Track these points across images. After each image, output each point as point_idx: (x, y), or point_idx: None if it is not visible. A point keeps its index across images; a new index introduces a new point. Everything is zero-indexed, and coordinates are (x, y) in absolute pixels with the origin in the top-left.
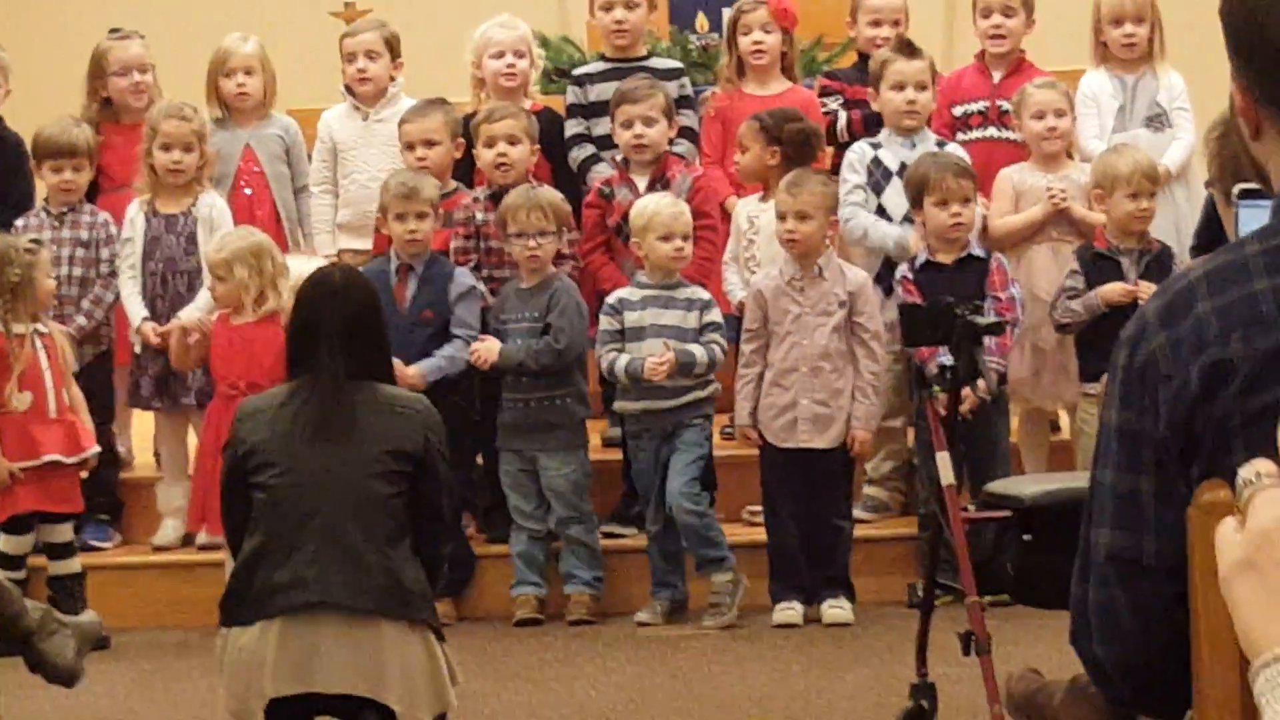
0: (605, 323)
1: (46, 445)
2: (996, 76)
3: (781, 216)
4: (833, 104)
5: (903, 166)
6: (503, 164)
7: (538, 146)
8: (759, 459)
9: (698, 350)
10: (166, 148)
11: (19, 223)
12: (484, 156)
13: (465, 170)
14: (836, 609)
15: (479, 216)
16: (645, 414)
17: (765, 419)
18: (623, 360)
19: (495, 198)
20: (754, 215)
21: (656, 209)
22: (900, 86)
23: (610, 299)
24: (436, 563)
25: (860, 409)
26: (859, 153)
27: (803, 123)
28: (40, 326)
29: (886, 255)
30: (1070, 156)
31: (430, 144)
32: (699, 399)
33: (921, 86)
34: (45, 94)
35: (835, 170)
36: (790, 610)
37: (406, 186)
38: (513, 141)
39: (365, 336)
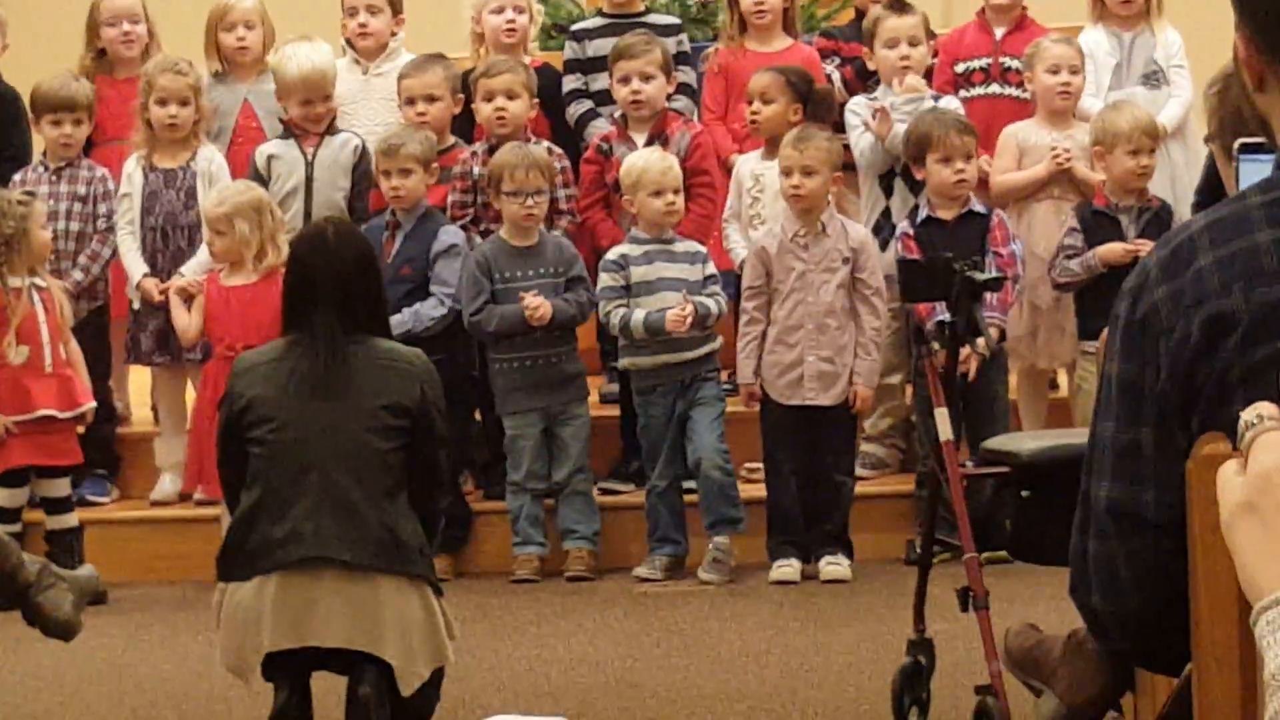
0: (608, 279)
1: (42, 400)
2: (999, 33)
3: (787, 171)
4: (830, 67)
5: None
6: (501, 118)
7: (537, 101)
8: (760, 416)
9: (710, 302)
10: (162, 102)
11: (16, 177)
12: (483, 111)
13: (465, 126)
14: (834, 565)
15: (476, 171)
16: (663, 368)
17: (769, 376)
18: (639, 315)
19: (493, 152)
20: (759, 173)
21: (646, 165)
22: (894, 43)
23: (611, 255)
24: (433, 518)
25: (863, 365)
26: (860, 105)
27: (825, 85)
28: (38, 280)
29: (885, 209)
30: (1076, 116)
31: (430, 99)
32: (711, 351)
33: (914, 42)
34: (44, 48)
35: (838, 129)
36: (788, 567)
37: (388, 143)
38: (511, 96)
39: (361, 291)
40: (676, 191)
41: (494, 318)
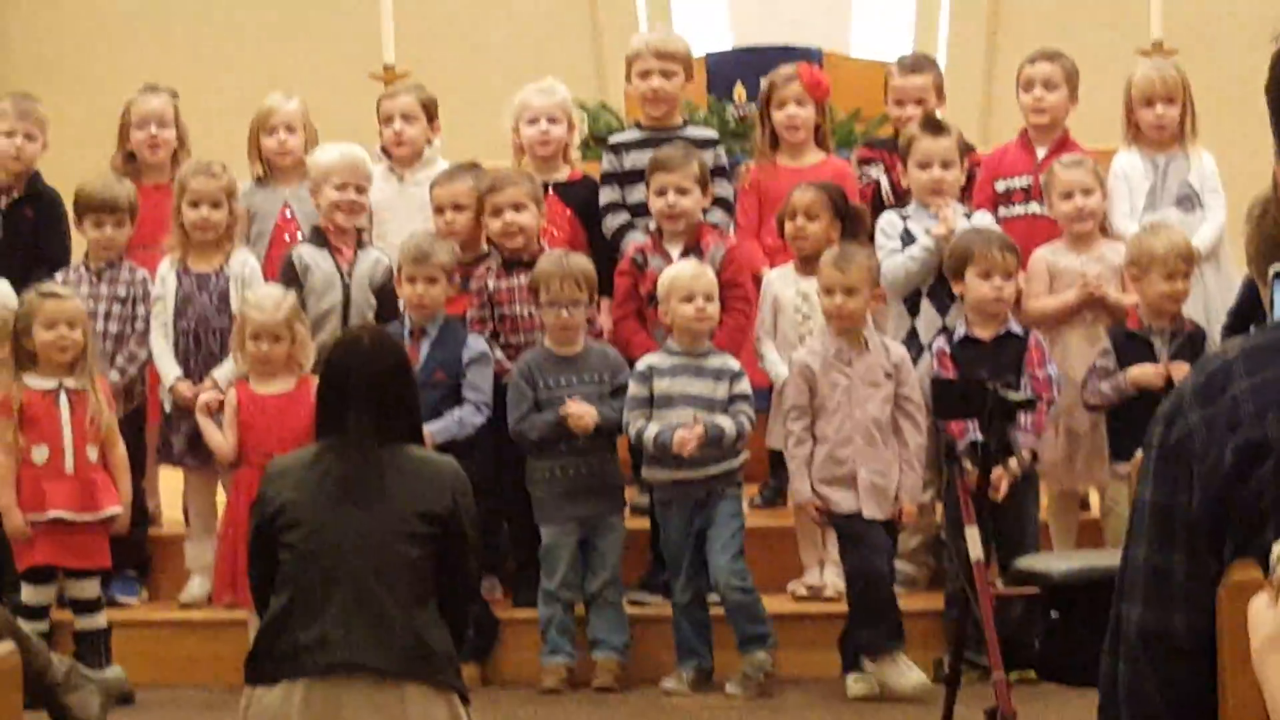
0: (634, 389)
1: (56, 501)
2: (1040, 153)
3: (829, 290)
4: (874, 172)
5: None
6: (511, 231)
7: (545, 210)
8: (837, 528)
9: (726, 422)
10: (195, 204)
11: (58, 277)
12: (491, 226)
13: None
14: (861, 683)
15: (491, 285)
16: (675, 484)
17: (825, 493)
18: (652, 430)
19: (507, 265)
20: (805, 291)
21: (677, 273)
22: (926, 165)
23: (640, 365)
24: (462, 625)
25: (908, 480)
26: (890, 222)
27: (857, 203)
28: (69, 382)
29: (911, 328)
30: (1104, 232)
31: (458, 208)
32: (729, 469)
33: (947, 164)
34: (84, 150)
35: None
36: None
37: (419, 250)
38: (518, 208)
39: (394, 398)
40: (709, 298)
41: (535, 426)
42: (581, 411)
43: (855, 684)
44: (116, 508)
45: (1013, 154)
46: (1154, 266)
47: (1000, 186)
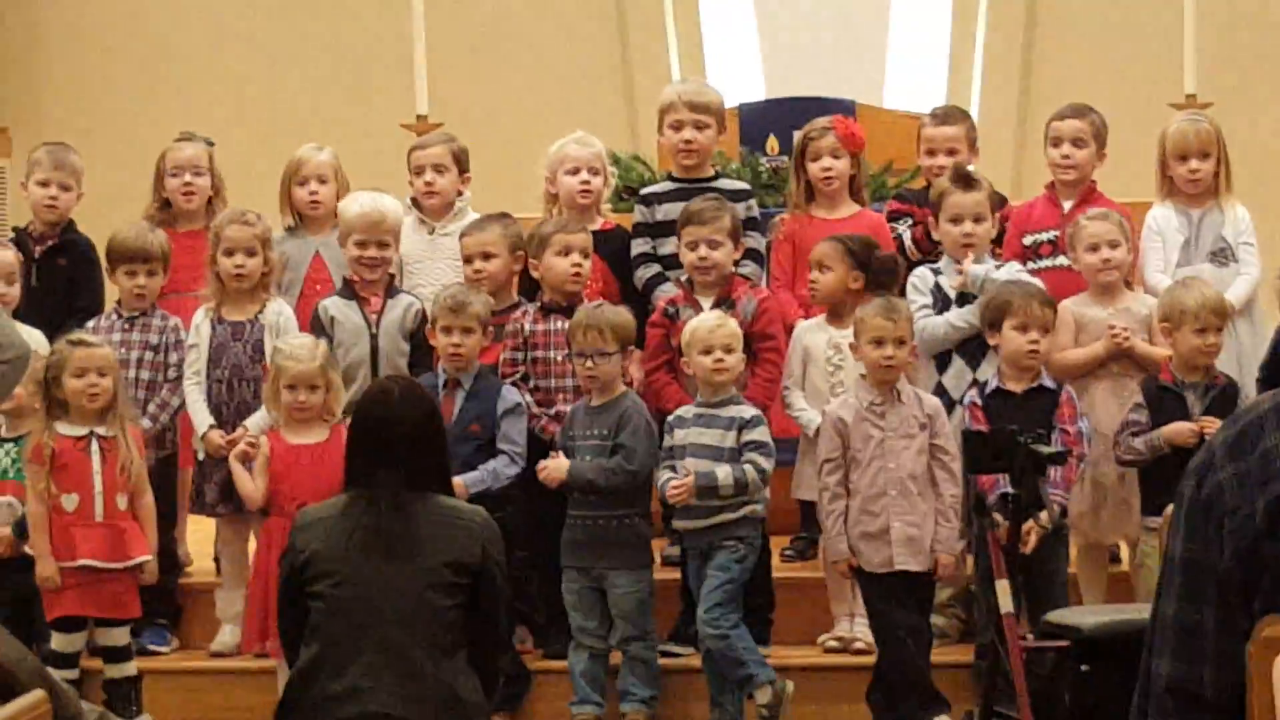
0: (666, 440)
1: (85, 549)
2: (1067, 206)
3: (879, 341)
4: (901, 228)
5: (960, 296)
6: (578, 276)
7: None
8: (863, 588)
9: (721, 471)
10: (229, 253)
11: (90, 324)
12: (557, 267)
13: (531, 284)
14: None
15: (528, 328)
16: (688, 533)
17: (858, 547)
18: (661, 480)
19: (545, 310)
20: (838, 342)
21: (697, 325)
22: (958, 220)
23: (671, 417)
24: (492, 676)
25: (943, 532)
26: (921, 277)
27: (889, 253)
28: (100, 430)
29: (939, 383)
30: (1130, 286)
31: (487, 256)
32: (726, 521)
33: (979, 219)
34: (118, 199)
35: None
36: None
37: (455, 300)
38: (585, 254)
39: (425, 449)
40: (728, 350)
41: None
42: (553, 465)
43: None
44: (145, 556)
45: (1040, 208)
46: (1186, 321)
47: (1028, 240)
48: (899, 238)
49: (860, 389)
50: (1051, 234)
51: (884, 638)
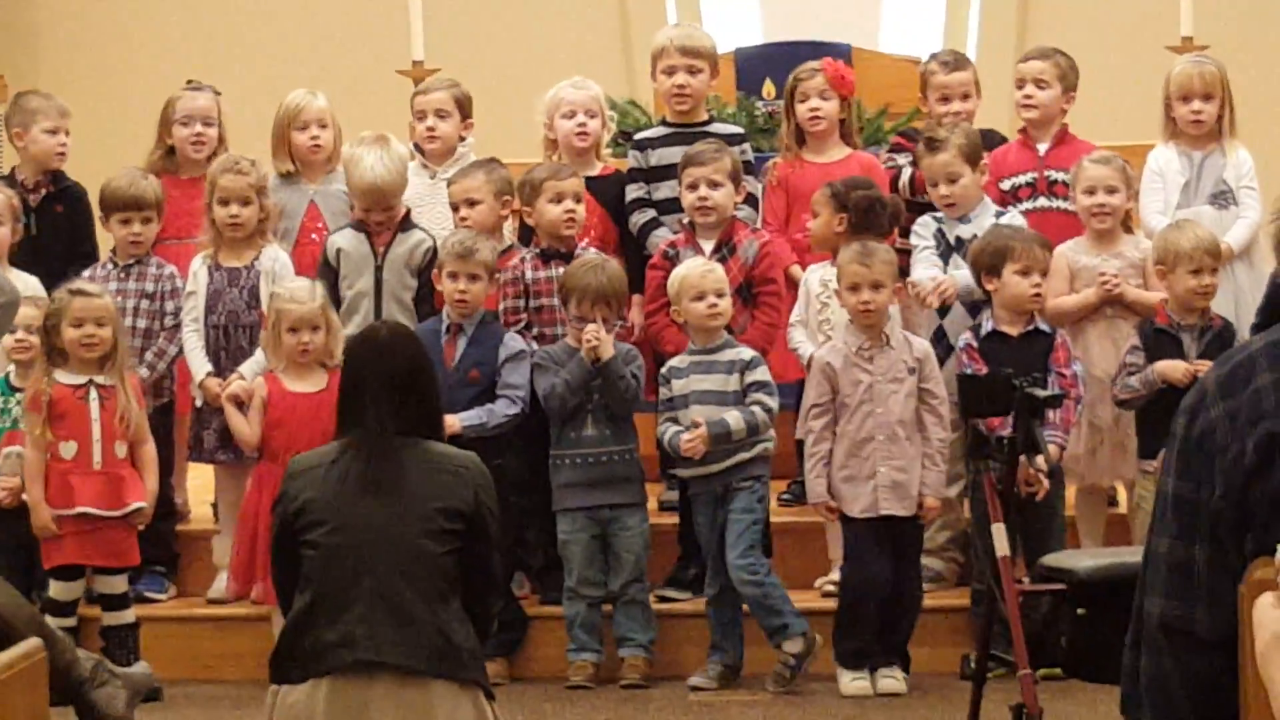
0: (661, 392)
1: (83, 497)
2: (1042, 149)
3: (854, 287)
4: (900, 160)
5: (959, 241)
6: (571, 221)
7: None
8: (844, 532)
9: (731, 417)
10: (224, 202)
11: (85, 273)
12: (549, 213)
13: (530, 229)
14: (890, 678)
15: (529, 275)
16: (699, 479)
17: (842, 490)
18: (669, 433)
19: (545, 256)
20: (828, 280)
21: (687, 272)
22: (933, 183)
23: (663, 368)
24: (486, 622)
25: (930, 476)
26: (925, 224)
27: (870, 190)
28: (99, 378)
29: (939, 328)
30: (1130, 231)
31: (471, 203)
32: (745, 460)
33: (951, 179)
34: (112, 147)
35: (904, 233)
36: (862, 680)
37: (462, 246)
38: (578, 199)
39: (414, 393)
40: (720, 294)
41: (566, 373)
42: (598, 340)
43: (851, 683)
44: (140, 502)
45: (1015, 153)
46: (1180, 262)
47: (1005, 185)
48: (897, 168)
49: (848, 333)
50: (1029, 176)
51: (846, 583)
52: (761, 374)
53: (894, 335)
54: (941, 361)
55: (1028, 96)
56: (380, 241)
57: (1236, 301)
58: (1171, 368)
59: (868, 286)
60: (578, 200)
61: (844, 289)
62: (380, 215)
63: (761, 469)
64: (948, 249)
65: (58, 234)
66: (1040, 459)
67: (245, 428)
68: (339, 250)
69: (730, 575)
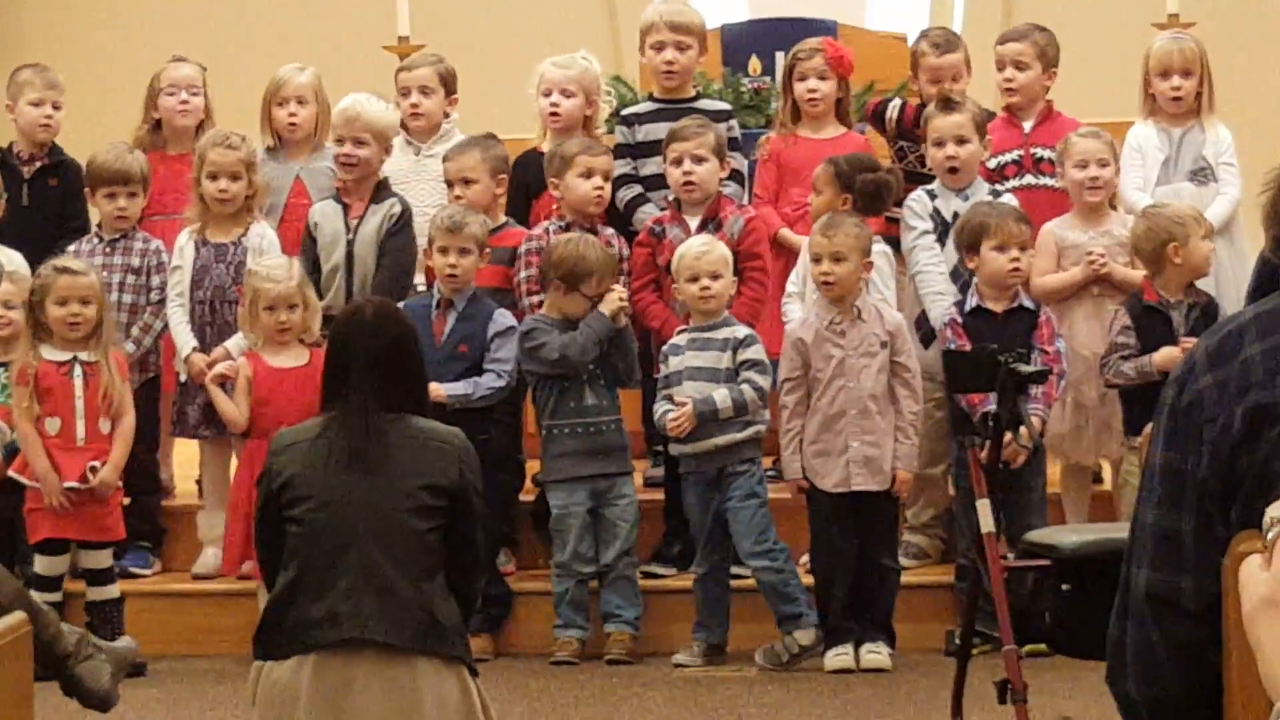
0: (662, 369)
1: (68, 473)
2: (1027, 127)
3: (816, 259)
4: (892, 103)
5: (957, 217)
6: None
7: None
8: (809, 507)
9: (718, 395)
10: (213, 176)
11: (71, 248)
12: (579, 188)
13: (520, 206)
14: (875, 654)
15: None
16: (692, 457)
17: (814, 466)
18: (659, 411)
19: (567, 229)
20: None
21: (684, 251)
22: (940, 143)
23: (666, 345)
24: (470, 598)
25: (903, 449)
26: (920, 201)
27: (877, 174)
28: (84, 355)
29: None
30: (1114, 208)
31: (467, 182)
32: (736, 441)
33: (961, 140)
34: (102, 123)
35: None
36: (844, 655)
37: (453, 220)
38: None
39: (398, 369)
40: (714, 276)
41: (581, 333)
42: (621, 306)
43: (834, 658)
44: (96, 462)
45: (1000, 131)
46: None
47: (992, 164)
48: (884, 102)
49: (819, 307)
50: (1015, 154)
51: (814, 560)
52: (754, 352)
53: (865, 309)
54: (929, 340)
55: (1008, 80)
56: (354, 214)
57: (1218, 278)
58: (1169, 358)
59: (829, 258)
60: (606, 178)
61: (810, 259)
62: (351, 149)
63: (754, 449)
64: (944, 228)
65: (50, 207)
66: (1024, 433)
67: (233, 409)
68: (316, 223)
69: (746, 565)
